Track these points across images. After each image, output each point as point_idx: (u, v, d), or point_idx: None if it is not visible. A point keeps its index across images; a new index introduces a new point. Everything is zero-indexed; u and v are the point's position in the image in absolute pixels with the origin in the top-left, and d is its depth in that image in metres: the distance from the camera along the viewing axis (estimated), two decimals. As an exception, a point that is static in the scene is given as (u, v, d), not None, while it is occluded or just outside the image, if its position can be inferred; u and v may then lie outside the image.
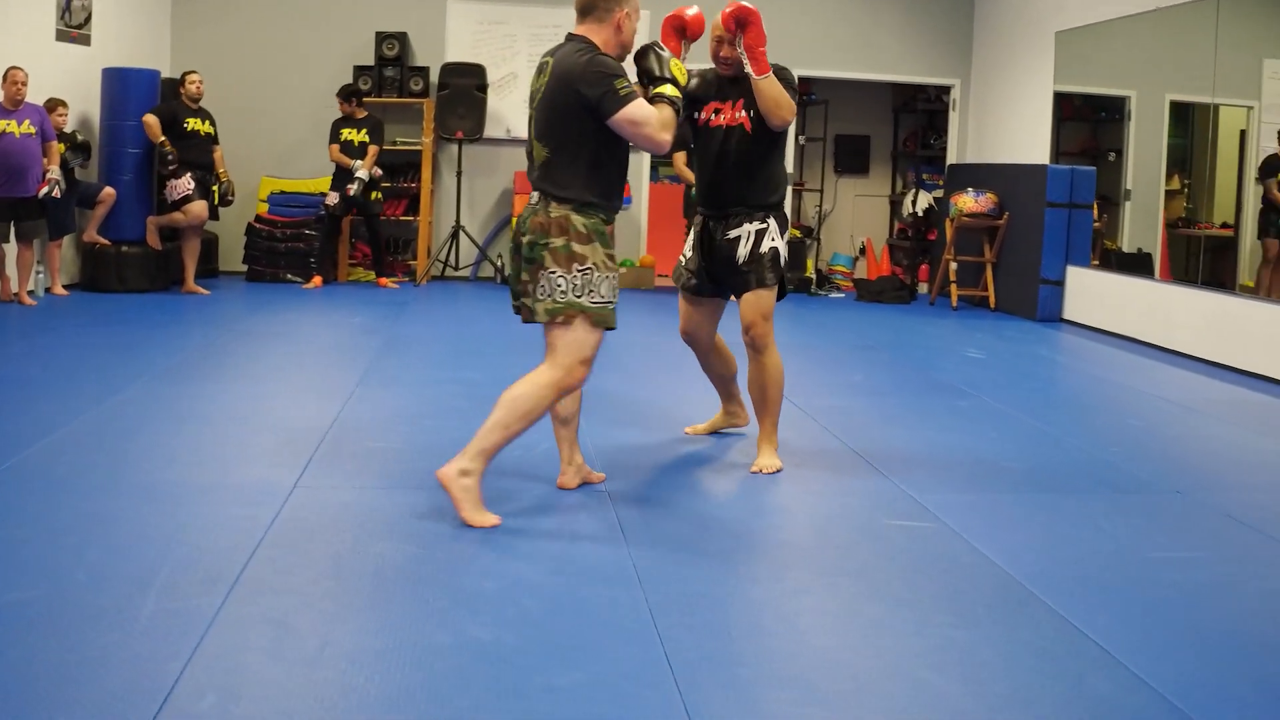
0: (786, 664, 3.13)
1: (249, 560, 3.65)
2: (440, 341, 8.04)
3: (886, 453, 5.35)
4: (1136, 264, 11.25)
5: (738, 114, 4.85)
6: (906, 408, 6.48)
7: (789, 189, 4.95)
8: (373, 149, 10.40)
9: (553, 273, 3.99)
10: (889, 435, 5.74)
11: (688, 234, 5.15)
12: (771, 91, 4.66)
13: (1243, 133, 12.56)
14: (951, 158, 12.61)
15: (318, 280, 10.52)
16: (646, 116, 3.96)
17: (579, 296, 3.99)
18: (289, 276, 10.69)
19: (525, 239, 4.08)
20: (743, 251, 4.86)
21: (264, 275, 10.71)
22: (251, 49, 11.20)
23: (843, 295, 12.01)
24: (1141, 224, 11.94)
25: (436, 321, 9.04)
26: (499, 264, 11.44)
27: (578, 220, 4.02)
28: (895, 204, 13.49)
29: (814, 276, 12.16)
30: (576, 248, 3.99)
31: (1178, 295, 9.64)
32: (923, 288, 12.36)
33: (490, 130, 11.25)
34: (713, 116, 4.92)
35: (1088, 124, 12.19)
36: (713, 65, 4.97)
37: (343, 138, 10.34)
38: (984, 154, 12.10)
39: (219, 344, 7.45)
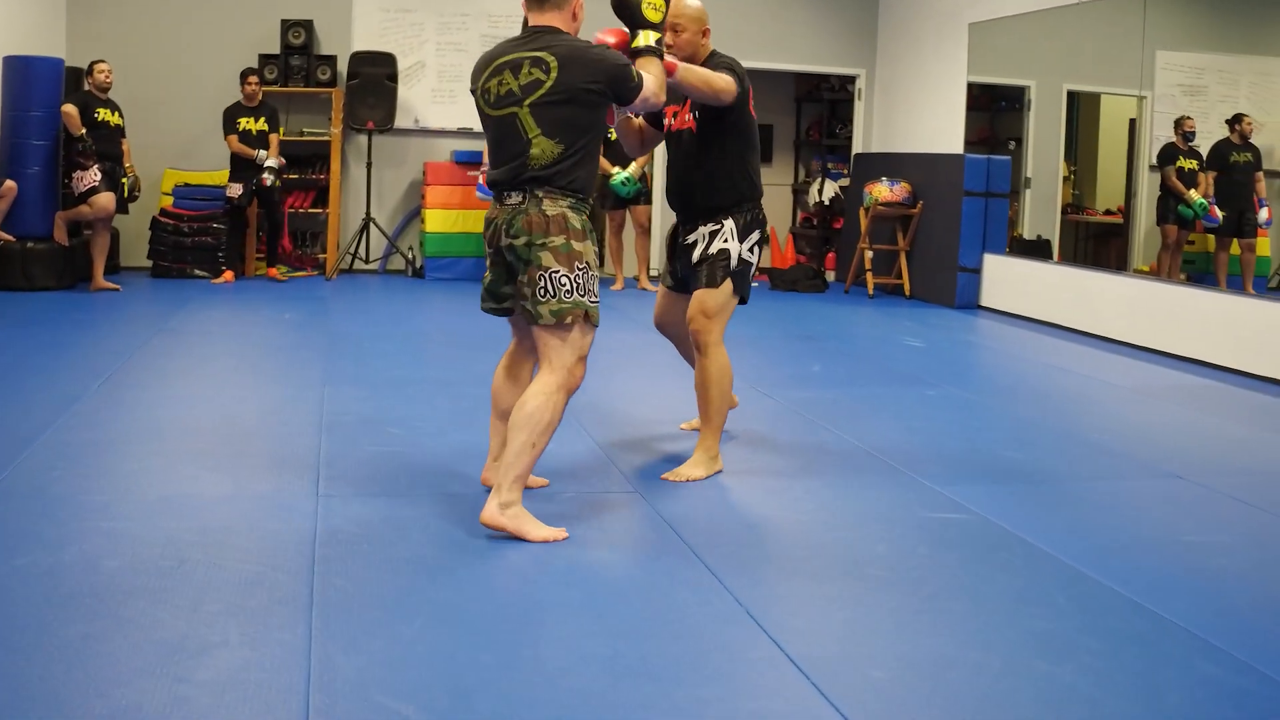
0: (912, 664, 3.08)
1: (314, 578, 3.48)
2: (386, 339, 7.83)
3: (888, 447, 5.35)
4: (1037, 250, 11.49)
5: (686, 115, 4.73)
6: (880, 399, 6.48)
7: (755, 189, 4.81)
8: (274, 137, 10.08)
9: (555, 272, 3.86)
10: (880, 428, 5.74)
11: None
12: (691, 79, 4.36)
13: (1133, 121, 12.89)
14: (857, 147, 12.70)
15: (229, 275, 10.19)
16: (651, 88, 4.01)
17: (582, 296, 3.90)
18: (196, 272, 10.31)
19: (518, 240, 3.90)
20: (696, 253, 4.72)
21: (170, 271, 10.32)
22: (152, 37, 10.76)
23: (755, 285, 11.99)
24: (1041, 211, 12.18)
25: (371, 318, 8.80)
26: (409, 256, 11.19)
27: (574, 218, 3.92)
28: (799, 193, 13.54)
29: (726, 266, 12.13)
30: (576, 245, 3.90)
31: (1093, 281, 9.85)
32: (829, 275, 12.42)
33: (400, 121, 10.99)
34: (671, 120, 4.81)
35: (986, 113, 12.39)
36: None
37: (241, 127, 9.99)
38: (891, 143, 12.20)
39: (156, 345, 7.12)
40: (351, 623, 3.16)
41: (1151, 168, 12.65)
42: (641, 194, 10.66)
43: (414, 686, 2.80)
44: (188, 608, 3.20)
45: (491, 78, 3.98)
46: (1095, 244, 13.10)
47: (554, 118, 3.91)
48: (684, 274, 4.86)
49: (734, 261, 4.66)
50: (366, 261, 11.21)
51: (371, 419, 5.40)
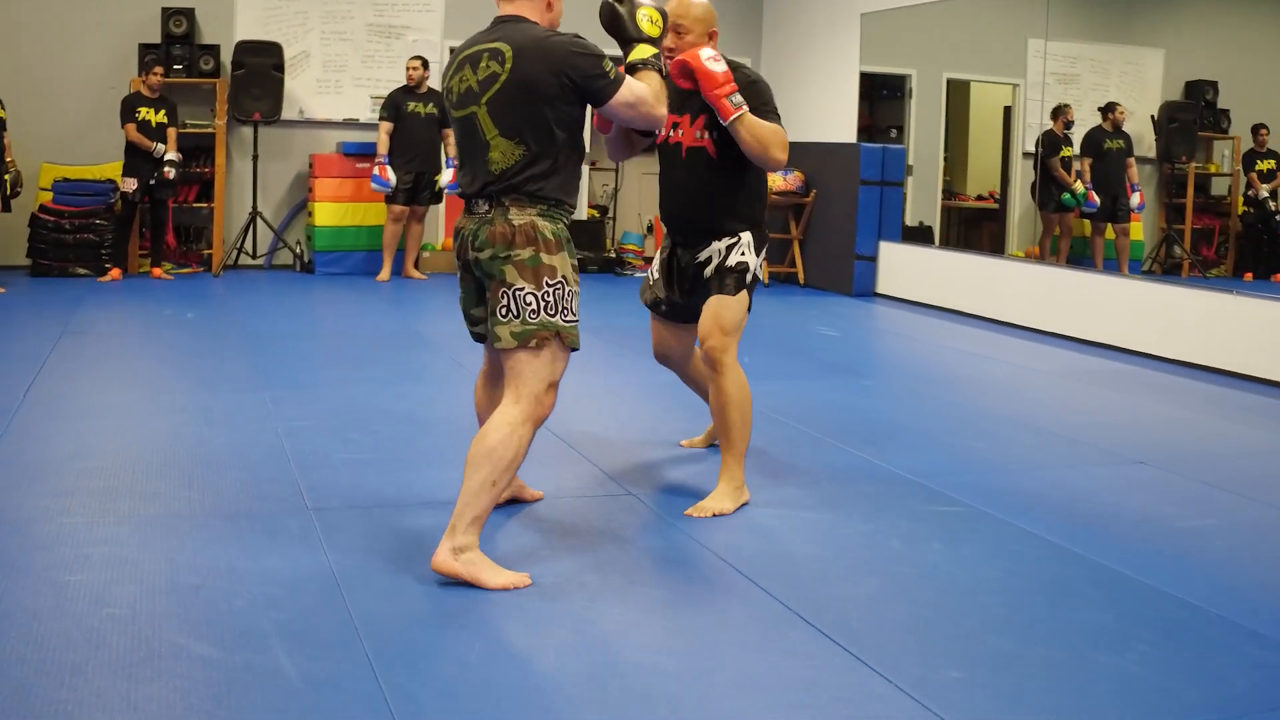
0: (983, 661, 3.09)
1: (348, 607, 3.30)
2: (304, 338, 7.62)
3: (864, 442, 5.35)
4: (920, 236, 11.69)
5: (699, 134, 4.24)
6: (825, 392, 6.50)
7: (765, 208, 4.43)
8: (172, 131, 9.71)
9: (520, 289, 3.43)
10: (844, 424, 5.75)
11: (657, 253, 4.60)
12: (751, 135, 4.03)
13: (1008, 109, 13.19)
14: (742, 136, 12.71)
15: (116, 273, 9.78)
16: (641, 94, 3.51)
17: (553, 315, 3.45)
18: (79, 270, 9.87)
19: (483, 254, 3.49)
20: (710, 269, 4.29)
21: (51, 269, 9.86)
22: (25, 26, 10.23)
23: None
24: (922, 198, 12.39)
25: (277, 315, 8.54)
26: (298, 251, 10.88)
27: (545, 226, 3.48)
28: (681, 182, 13.52)
29: (615, 255, 12.09)
30: (546, 259, 3.46)
31: (990, 267, 10.04)
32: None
33: (285, 112, 10.68)
34: (671, 132, 4.31)
35: (866, 102, 12.53)
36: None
37: (140, 117, 9.59)
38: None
39: (67, 349, 6.79)
40: (410, 649, 3.02)
41: (1025, 155, 12.96)
42: None
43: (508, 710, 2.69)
44: (232, 646, 3.03)
45: (454, 75, 3.59)
46: (967, 229, 13.39)
47: (511, 116, 3.47)
48: (689, 296, 4.42)
49: (750, 275, 4.28)
50: (253, 257, 10.87)
51: (327, 426, 5.22)
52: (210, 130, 10.51)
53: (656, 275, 4.54)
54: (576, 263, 3.56)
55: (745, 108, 4.04)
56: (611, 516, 4.15)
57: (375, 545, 3.76)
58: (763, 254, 4.37)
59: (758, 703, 2.79)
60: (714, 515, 4.14)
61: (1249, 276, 12.03)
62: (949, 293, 10.05)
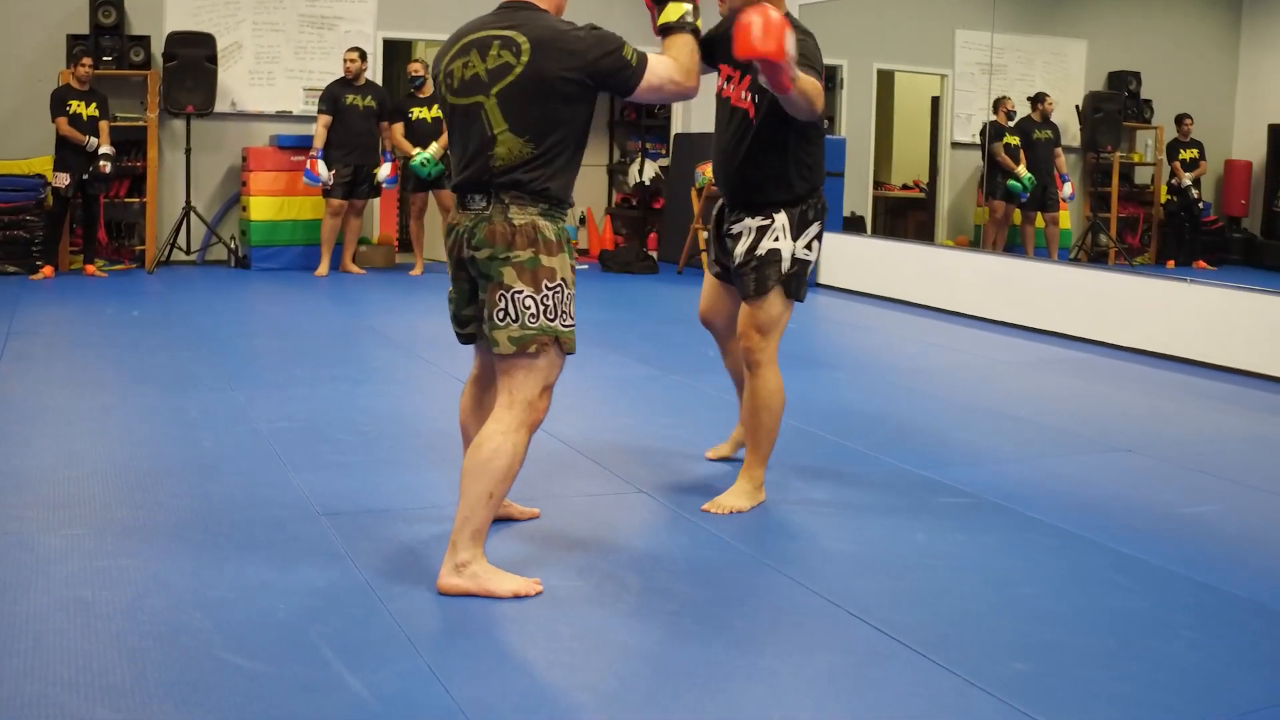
0: (1043, 651, 3.09)
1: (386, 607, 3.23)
2: (258, 336, 7.48)
3: (842, 426, 5.38)
4: (852, 225, 11.76)
5: (744, 94, 4.03)
6: (803, 383, 6.48)
7: (814, 182, 4.06)
8: (104, 124, 9.45)
9: (519, 293, 3.27)
10: (835, 416, 5.76)
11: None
12: (805, 95, 3.66)
13: (935, 99, 13.32)
14: (677, 127, 12.72)
15: (48, 270, 9.50)
16: (667, 73, 3.33)
17: (552, 320, 3.31)
18: (9, 268, 9.58)
19: (479, 253, 3.32)
20: (740, 249, 4.10)
21: (-22, 268, 9.56)
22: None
23: (585, 267, 11.90)
24: (854, 188, 12.46)
25: (222, 312, 8.36)
26: (232, 246, 10.66)
27: (546, 227, 3.31)
28: (614, 173, 13.48)
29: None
30: (546, 261, 3.29)
31: (933, 256, 10.12)
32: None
33: (217, 104, 10.44)
34: (724, 85, 4.10)
35: (796, 92, 12.54)
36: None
37: (71, 110, 9.31)
38: (709, 123, 12.24)
39: (18, 350, 6.58)
40: (472, 658, 2.97)
41: (955, 145, 13.11)
42: (444, 176, 10.38)
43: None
44: (285, 661, 2.94)
45: (457, 58, 3.38)
46: (892, 218, 13.51)
47: (524, 112, 3.29)
48: (729, 266, 4.22)
49: (786, 263, 4.06)
50: (187, 252, 10.63)
51: (311, 427, 5.11)
52: (141, 123, 10.25)
53: (711, 233, 4.38)
54: (572, 264, 3.40)
55: (797, 73, 3.60)
56: (630, 516, 4.10)
57: (399, 551, 3.68)
58: (813, 230, 4.10)
59: (833, 705, 2.76)
60: (731, 512, 4.08)
61: (1171, 264, 12.28)
62: (892, 283, 10.11)
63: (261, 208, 10.40)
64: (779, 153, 4.03)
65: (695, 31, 3.45)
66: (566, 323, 3.35)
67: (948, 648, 3.07)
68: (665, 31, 3.44)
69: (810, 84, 3.70)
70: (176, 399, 5.54)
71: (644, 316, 8.72)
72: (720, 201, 4.31)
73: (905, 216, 13.89)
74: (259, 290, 9.49)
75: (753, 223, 4.10)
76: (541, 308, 3.29)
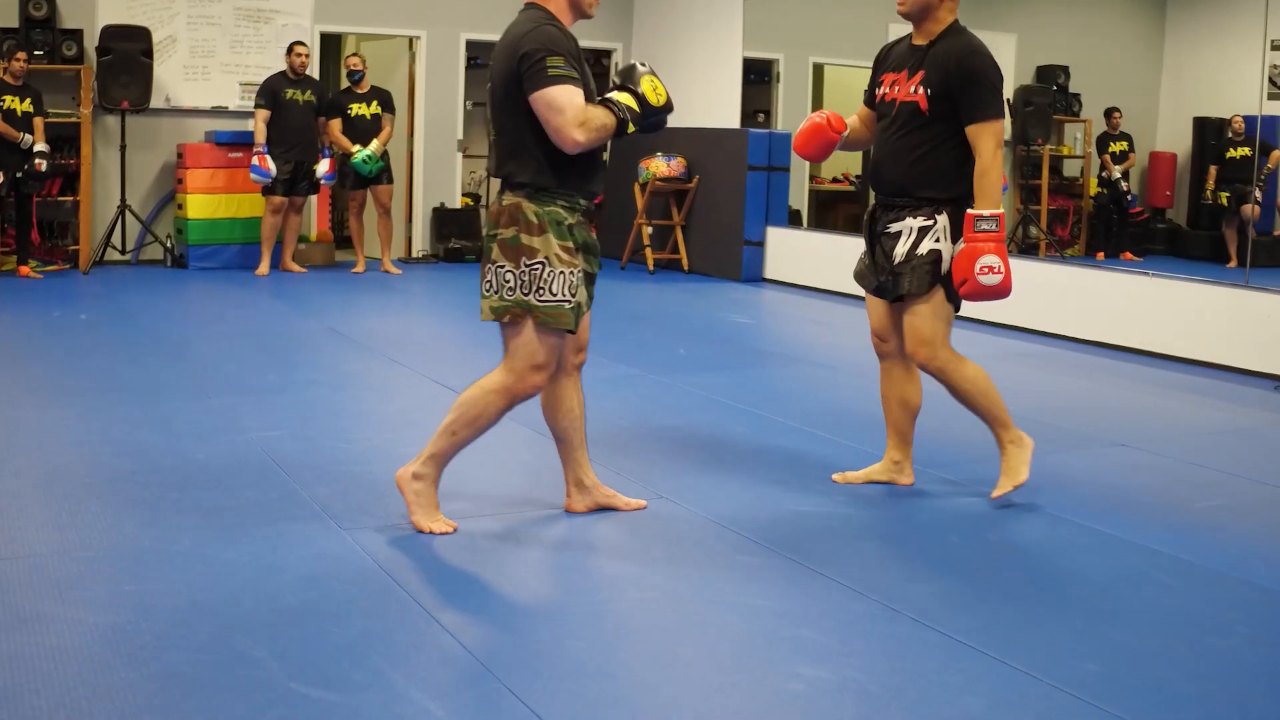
0: (1119, 652, 3.09)
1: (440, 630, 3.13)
2: (218, 340, 7.29)
3: (834, 424, 5.38)
4: (791, 220, 11.77)
5: (913, 89, 4.05)
6: (774, 379, 6.54)
7: (968, 181, 4.06)
8: (39, 121, 9.16)
9: (501, 267, 3.59)
10: (812, 407, 5.79)
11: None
12: (995, 181, 3.98)
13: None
14: (614, 121, 12.61)
15: (-20, 273, 9.19)
16: (564, 104, 3.47)
17: (526, 294, 3.57)
18: (-62, 270, 9.27)
19: (485, 232, 3.71)
20: (900, 249, 4.09)
21: (-94, 271, 9.23)
22: None
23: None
24: (792, 182, 12.44)
25: (171, 314, 8.17)
26: (168, 244, 10.40)
27: (530, 208, 3.58)
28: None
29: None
30: (526, 240, 3.57)
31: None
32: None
33: (153, 100, 10.17)
34: (887, 89, 4.18)
35: (733, 85, 12.53)
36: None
37: (4, 106, 9.01)
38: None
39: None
40: (536, 668, 2.90)
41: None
42: (384, 173, 10.26)
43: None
44: (353, 686, 2.85)
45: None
46: (822, 211, 13.56)
47: (495, 114, 3.68)
48: (883, 271, 4.19)
49: (946, 264, 4.06)
50: (122, 252, 10.35)
51: (305, 434, 5.00)
52: (74, 119, 9.95)
53: (864, 247, 4.34)
54: (570, 245, 3.60)
55: (992, 227, 3.96)
56: (665, 518, 4.04)
57: (439, 560, 3.61)
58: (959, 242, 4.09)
59: (924, 713, 2.74)
60: (1016, 487, 4.20)
61: (1100, 256, 12.48)
62: (842, 277, 10.10)
63: (199, 206, 10.17)
64: (948, 148, 4.05)
65: (622, 124, 3.57)
66: (543, 298, 3.57)
67: (1017, 651, 3.06)
68: (603, 101, 3.60)
69: (984, 188, 3.99)
70: (154, 407, 5.36)
71: (600, 314, 8.61)
72: (870, 210, 4.29)
73: (836, 209, 13.95)
74: (203, 291, 9.27)
75: (914, 222, 4.09)
76: (519, 282, 3.57)
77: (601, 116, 3.53)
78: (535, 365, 3.62)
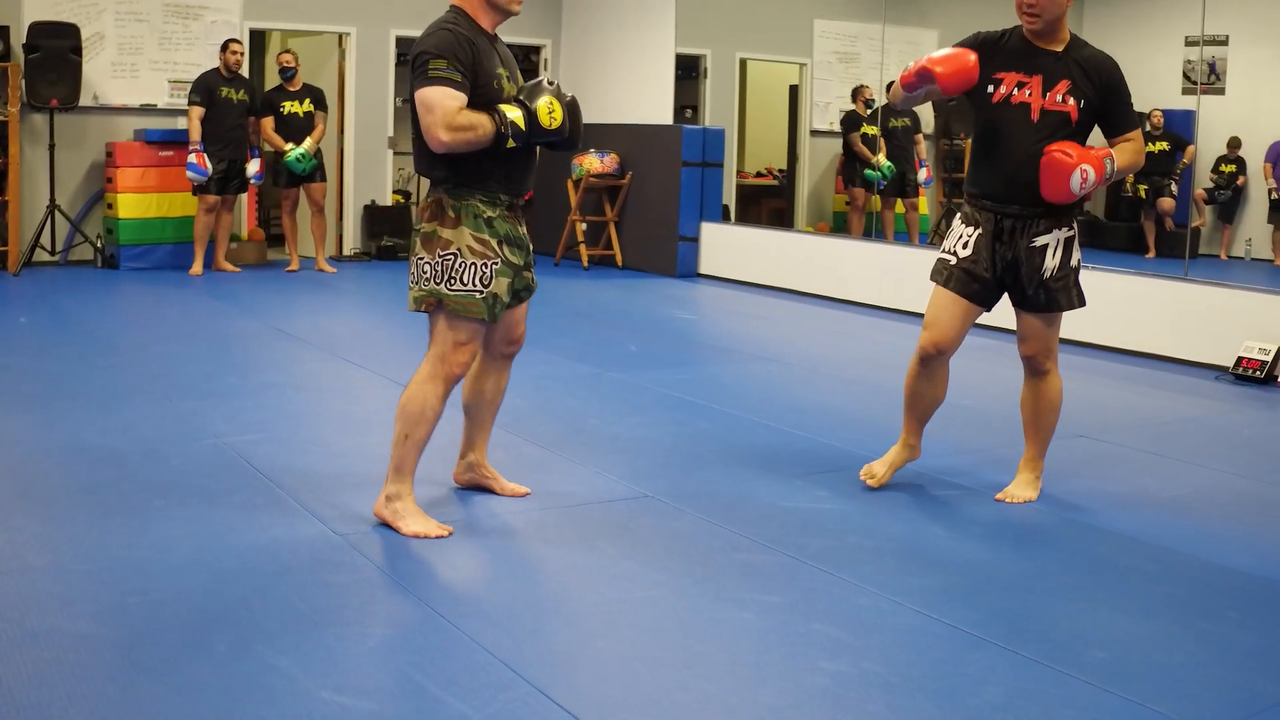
0: (1127, 641, 3.20)
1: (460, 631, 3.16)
2: (167, 341, 7.16)
3: (801, 419, 5.45)
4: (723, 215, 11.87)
5: (1060, 98, 4.00)
6: (746, 375, 6.57)
7: None
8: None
9: (421, 259, 3.76)
10: (774, 403, 5.86)
11: (954, 227, 4.26)
12: (1123, 174, 4.09)
13: (794, 88, 13.52)
14: (545, 118, 12.60)
15: (-91, 277, 8.98)
16: (435, 104, 3.60)
17: (438, 283, 3.73)
18: None
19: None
20: (1051, 264, 4.08)
21: None
22: None
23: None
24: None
25: (116, 316, 8.07)
26: (98, 245, 10.24)
27: (449, 203, 3.73)
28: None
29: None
30: (441, 232, 3.73)
31: (817, 245, 10.28)
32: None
33: (82, 97, 9.99)
34: (1015, 91, 4.04)
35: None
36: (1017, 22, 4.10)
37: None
38: (583, 114, 12.19)
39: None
40: (573, 674, 2.94)
41: (814, 133, 13.34)
42: (317, 171, 10.21)
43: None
44: (388, 696, 2.86)
45: None
46: (746, 205, 13.69)
47: (412, 116, 3.79)
48: (1014, 285, 4.17)
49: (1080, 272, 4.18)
50: (52, 253, 10.16)
51: (277, 439, 4.97)
52: (2, 118, 9.75)
53: (966, 251, 4.18)
54: (487, 238, 3.73)
55: (1111, 164, 3.96)
56: (657, 516, 4.08)
57: (440, 563, 3.63)
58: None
59: (945, 702, 2.82)
60: (1024, 501, 4.32)
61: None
62: (775, 271, 10.24)
63: (129, 205, 10.01)
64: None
65: (502, 132, 3.64)
66: (454, 288, 3.71)
67: (1024, 640, 3.15)
68: (491, 109, 3.68)
69: (1128, 156, 4.02)
70: (120, 414, 5.29)
71: (544, 311, 8.64)
72: (989, 218, 4.15)
73: (759, 204, 14.08)
74: (140, 291, 9.14)
75: (1060, 234, 4.10)
76: (434, 272, 3.72)
77: (477, 123, 3.62)
78: (455, 348, 3.77)
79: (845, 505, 4.30)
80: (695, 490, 4.39)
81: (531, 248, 3.97)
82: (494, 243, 3.74)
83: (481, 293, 3.72)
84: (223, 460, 4.62)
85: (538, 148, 3.90)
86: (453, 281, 3.71)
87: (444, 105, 3.59)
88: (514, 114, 3.65)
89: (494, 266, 3.73)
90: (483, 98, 3.67)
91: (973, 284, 4.16)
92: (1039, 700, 2.84)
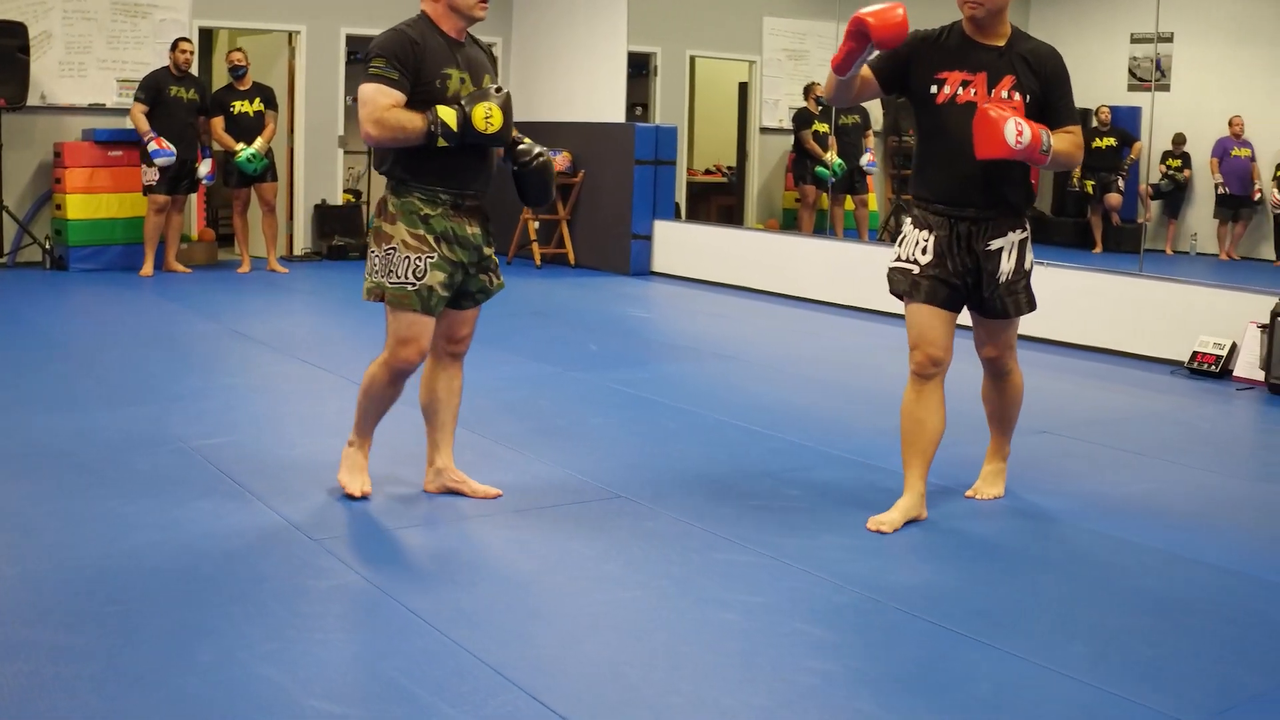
0: (1141, 650, 3.21)
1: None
2: (121, 345, 7.08)
3: (768, 419, 5.47)
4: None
5: (1005, 94, 3.86)
6: (707, 374, 6.60)
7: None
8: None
9: (372, 252, 3.96)
10: (739, 401, 5.88)
11: (905, 232, 4.10)
12: (1059, 162, 3.91)
13: (743, 85, 13.57)
14: (496, 116, 12.56)
15: None
16: (366, 100, 3.77)
17: (382, 277, 3.91)
18: None
19: None
20: (1006, 267, 3.98)
21: None
22: None
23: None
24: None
25: (68, 318, 7.96)
26: (47, 246, 10.10)
27: (391, 200, 3.92)
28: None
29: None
30: (385, 227, 3.91)
31: (769, 242, 10.33)
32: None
33: (30, 97, 9.85)
34: (960, 90, 3.89)
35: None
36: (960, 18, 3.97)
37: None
38: (537, 112, 12.18)
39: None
40: (563, 678, 2.95)
41: (764, 130, 13.38)
42: (268, 171, 10.14)
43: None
44: (377, 702, 2.84)
45: None
46: (694, 203, 13.72)
47: None
48: (973, 286, 4.04)
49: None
50: (1, 255, 10.02)
51: (245, 444, 4.92)
52: (-53, 119, 9.60)
53: (926, 257, 4.01)
54: (423, 234, 3.85)
55: (1048, 137, 3.79)
56: (632, 518, 4.09)
57: (420, 567, 3.63)
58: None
59: (935, 698, 2.85)
60: (993, 498, 4.36)
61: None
62: (729, 269, 10.27)
63: (78, 206, 9.88)
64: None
65: (433, 132, 3.76)
66: (393, 280, 3.87)
67: (1005, 636, 3.19)
68: (434, 107, 3.81)
69: (1067, 146, 3.87)
70: (81, 418, 5.22)
71: (500, 310, 8.59)
72: (941, 221, 4.00)
73: (709, 201, 14.11)
74: (91, 293, 9.02)
75: (1015, 236, 4.00)
76: (379, 266, 3.92)
77: (406, 121, 3.75)
78: (400, 340, 3.92)
79: (817, 504, 4.33)
80: (668, 491, 4.40)
81: (487, 249, 4.04)
82: (430, 239, 3.87)
83: (414, 285, 3.86)
84: (190, 464, 4.57)
85: (493, 152, 3.98)
86: (391, 274, 3.88)
87: (374, 101, 3.74)
88: (447, 114, 3.75)
89: (428, 261, 3.86)
90: (423, 97, 3.79)
91: (944, 289, 4.00)
92: (1026, 695, 2.87)
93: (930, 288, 4.00)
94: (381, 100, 3.74)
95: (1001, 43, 3.93)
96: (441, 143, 3.75)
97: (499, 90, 3.85)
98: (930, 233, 4.00)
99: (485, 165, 3.98)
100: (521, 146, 4.03)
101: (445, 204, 3.89)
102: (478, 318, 4.19)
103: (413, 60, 3.78)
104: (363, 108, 3.77)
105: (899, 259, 4.07)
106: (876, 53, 3.89)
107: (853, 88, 3.94)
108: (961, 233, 3.97)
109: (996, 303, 4.03)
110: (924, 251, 4.02)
